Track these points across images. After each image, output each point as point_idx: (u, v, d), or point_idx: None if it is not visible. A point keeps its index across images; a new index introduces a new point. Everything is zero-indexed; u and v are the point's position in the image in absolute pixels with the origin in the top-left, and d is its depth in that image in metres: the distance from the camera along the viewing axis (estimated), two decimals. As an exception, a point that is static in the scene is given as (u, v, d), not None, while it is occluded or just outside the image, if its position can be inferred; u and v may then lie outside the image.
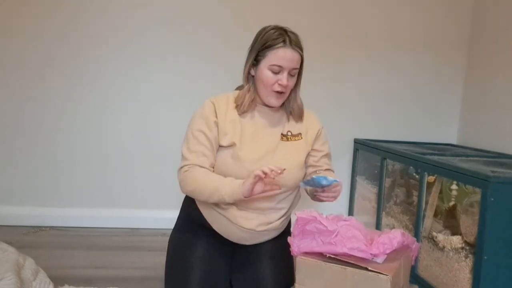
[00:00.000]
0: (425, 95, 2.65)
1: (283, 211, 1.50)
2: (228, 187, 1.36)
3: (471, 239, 1.63)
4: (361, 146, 2.52)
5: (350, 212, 2.61)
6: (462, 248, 1.67)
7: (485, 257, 1.47)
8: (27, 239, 2.23)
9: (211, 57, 2.47)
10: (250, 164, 1.41)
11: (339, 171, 2.59)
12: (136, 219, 2.49)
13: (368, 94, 2.61)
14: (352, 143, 2.62)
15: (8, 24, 2.31)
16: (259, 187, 1.32)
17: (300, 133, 1.53)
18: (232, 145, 1.43)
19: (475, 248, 1.52)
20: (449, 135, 2.70)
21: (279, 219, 1.49)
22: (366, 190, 2.48)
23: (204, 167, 1.42)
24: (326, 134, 1.61)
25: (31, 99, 2.38)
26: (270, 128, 1.50)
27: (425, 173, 1.87)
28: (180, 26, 2.43)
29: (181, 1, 2.42)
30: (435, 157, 1.90)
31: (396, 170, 2.30)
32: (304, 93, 2.49)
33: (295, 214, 1.29)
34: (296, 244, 1.26)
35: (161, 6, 2.41)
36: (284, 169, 1.29)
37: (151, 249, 2.18)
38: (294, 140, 1.51)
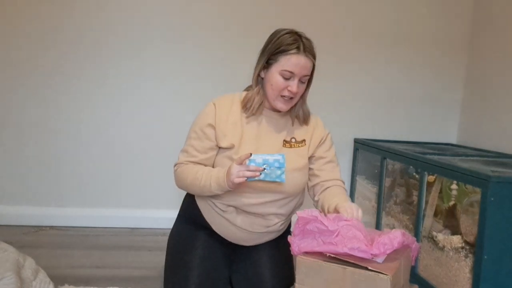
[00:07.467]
0: (425, 95, 2.65)
1: (284, 217, 1.49)
2: (214, 180, 1.36)
3: (471, 238, 1.63)
4: (361, 145, 2.52)
5: (350, 212, 2.60)
6: (462, 247, 1.67)
7: (485, 257, 1.47)
8: (27, 239, 2.23)
9: (215, 57, 2.46)
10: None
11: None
12: (136, 219, 2.49)
13: (368, 93, 2.61)
14: (352, 142, 2.62)
15: (3, 22, 2.31)
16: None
17: (304, 140, 1.50)
18: (231, 147, 1.42)
19: (475, 248, 1.53)
20: (449, 135, 2.70)
21: (278, 222, 1.48)
22: (366, 190, 2.48)
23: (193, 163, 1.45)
24: (331, 139, 1.57)
25: (32, 98, 2.37)
26: (273, 133, 1.47)
27: (425, 172, 1.87)
28: (184, 23, 2.43)
29: None
30: (435, 157, 1.90)
31: (396, 170, 2.30)
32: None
33: (296, 213, 1.29)
34: (297, 243, 1.26)
35: (163, 2, 2.41)
36: (264, 169, 1.29)
37: (151, 249, 2.18)
38: (297, 147, 1.48)
